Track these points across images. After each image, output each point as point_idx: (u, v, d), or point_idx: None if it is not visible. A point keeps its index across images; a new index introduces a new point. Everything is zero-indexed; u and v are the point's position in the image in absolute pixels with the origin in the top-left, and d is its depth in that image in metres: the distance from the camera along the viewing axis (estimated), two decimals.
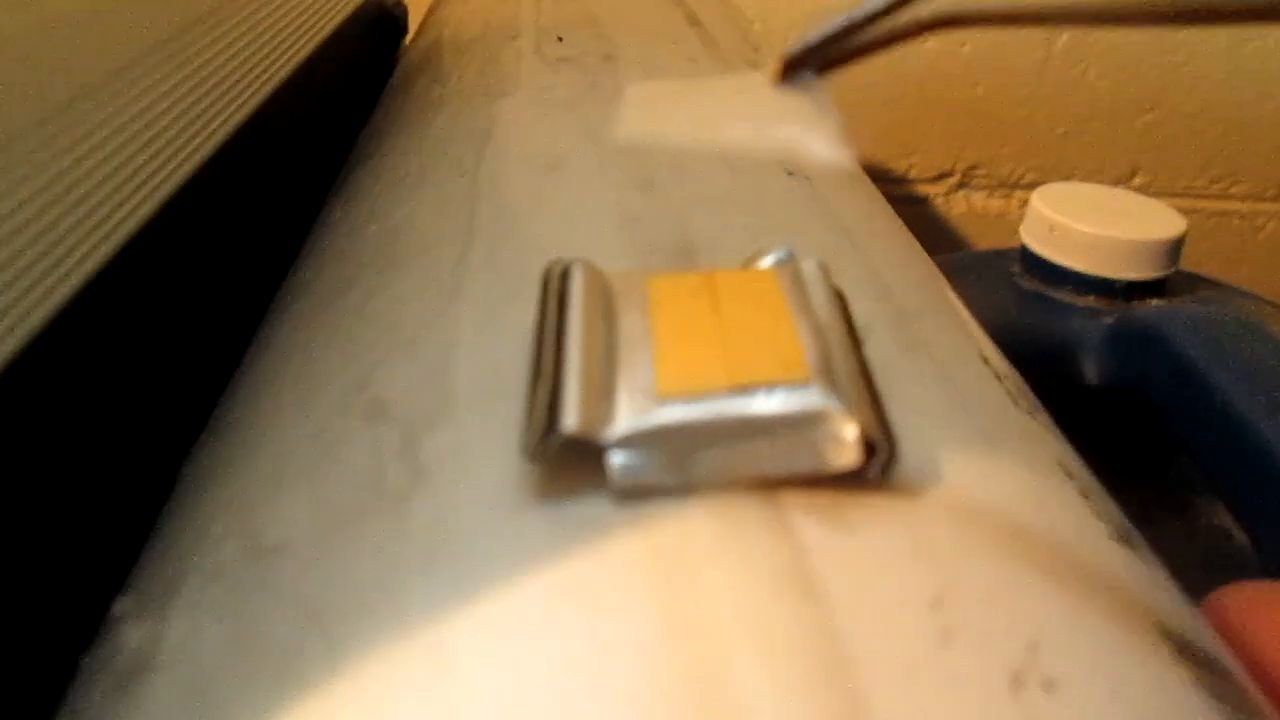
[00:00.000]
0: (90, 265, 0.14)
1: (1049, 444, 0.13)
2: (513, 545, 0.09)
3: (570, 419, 0.10)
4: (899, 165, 0.60)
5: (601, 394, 0.10)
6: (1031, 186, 0.62)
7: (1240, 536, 0.29)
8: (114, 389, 0.16)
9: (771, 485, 0.10)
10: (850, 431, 0.10)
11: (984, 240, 0.62)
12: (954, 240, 0.61)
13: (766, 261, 0.13)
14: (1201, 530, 0.30)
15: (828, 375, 0.10)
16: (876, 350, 0.13)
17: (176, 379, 0.17)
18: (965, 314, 0.18)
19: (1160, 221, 0.36)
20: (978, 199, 0.61)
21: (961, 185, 0.61)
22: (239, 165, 0.20)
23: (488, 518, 0.09)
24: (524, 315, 0.12)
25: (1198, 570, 0.29)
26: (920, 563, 0.09)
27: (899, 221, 0.21)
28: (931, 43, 0.56)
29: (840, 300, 0.12)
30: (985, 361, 0.15)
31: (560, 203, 0.16)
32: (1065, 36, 0.57)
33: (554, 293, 0.12)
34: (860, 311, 0.13)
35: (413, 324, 0.13)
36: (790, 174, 0.18)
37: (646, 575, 0.08)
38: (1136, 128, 0.60)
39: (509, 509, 0.09)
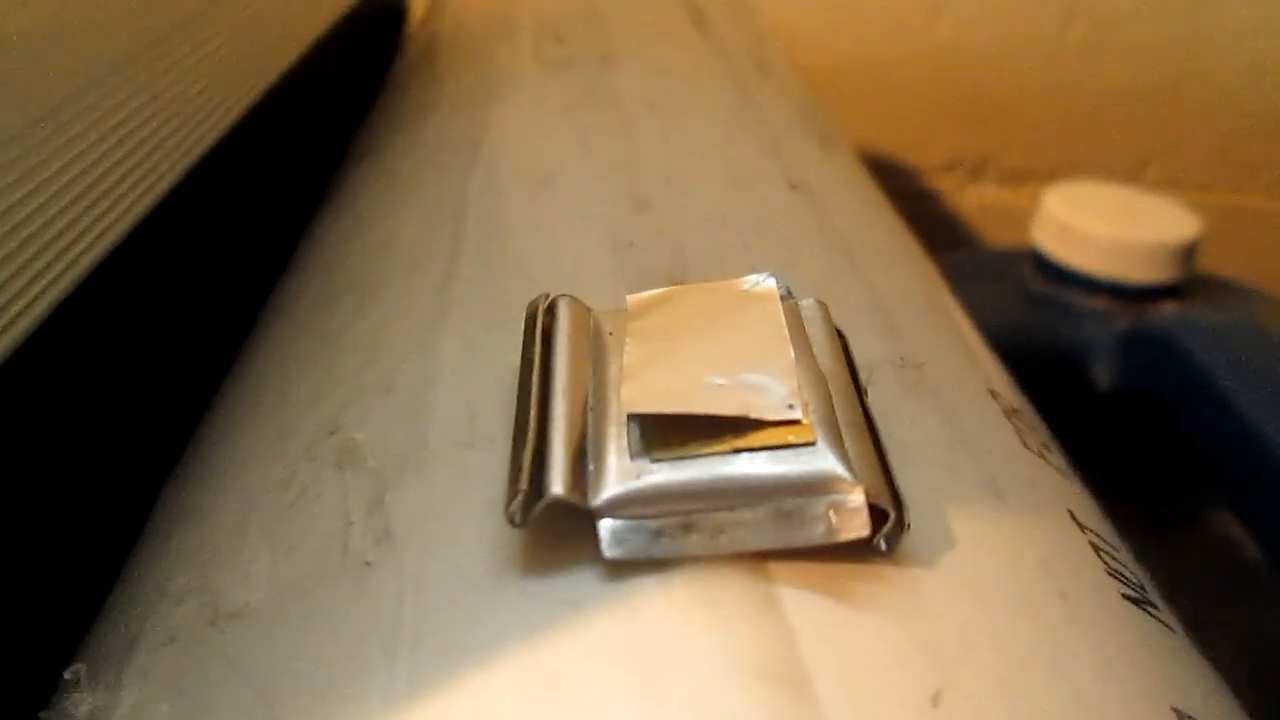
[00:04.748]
0: (75, 272, 0.13)
1: (1060, 488, 0.12)
2: (484, 626, 0.08)
3: (557, 484, 0.09)
4: (909, 155, 0.59)
5: (589, 453, 0.09)
6: (1044, 177, 0.61)
7: (1253, 549, 0.28)
8: (92, 403, 0.15)
9: (764, 554, 0.09)
10: (858, 500, 0.09)
11: (995, 231, 0.62)
12: (965, 231, 0.60)
13: (762, 288, 0.12)
14: (1214, 542, 0.29)
15: (833, 433, 0.10)
16: (880, 394, 0.12)
17: (157, 399, 0.17)
18: (973, 338, 0.17)
19: (1175, 223, 0.35)
20: (989, 190, 0.60)
21: (973, 176, 0.60)
22: (229, 169, 0.20)
23: (458, 592, 0.09)
24: (507, 348, 0.12)
25: (1210, 581, 0.29)
26: (920, 652, 0.08)
27: (905, 234, 0.20)
28: (942, 32, 0.55)
29: (841, 342, 0.12)
30: (994, 395, 0.14)
31: (551, 222, 0.15)
32: (1079, 26, 0.55)
33: (538, 333, 0.11)
34: (863, 349, 0.12)
35: (391, 356, 0.12)
36: (794, 187, 0.17)
37: (626, 666, 0.08)
38: (1150, 119, 0.58)
39: (483, 581, 0.09)
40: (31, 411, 0.13)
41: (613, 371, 0.10)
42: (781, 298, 0.12)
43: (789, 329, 0.11)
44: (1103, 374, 0.32)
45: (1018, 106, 0.59)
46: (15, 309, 0.12)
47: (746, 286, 0.12)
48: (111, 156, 0.14)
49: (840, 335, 0.12)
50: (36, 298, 0.12)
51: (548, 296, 0.12)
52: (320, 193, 0.22)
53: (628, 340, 0.11)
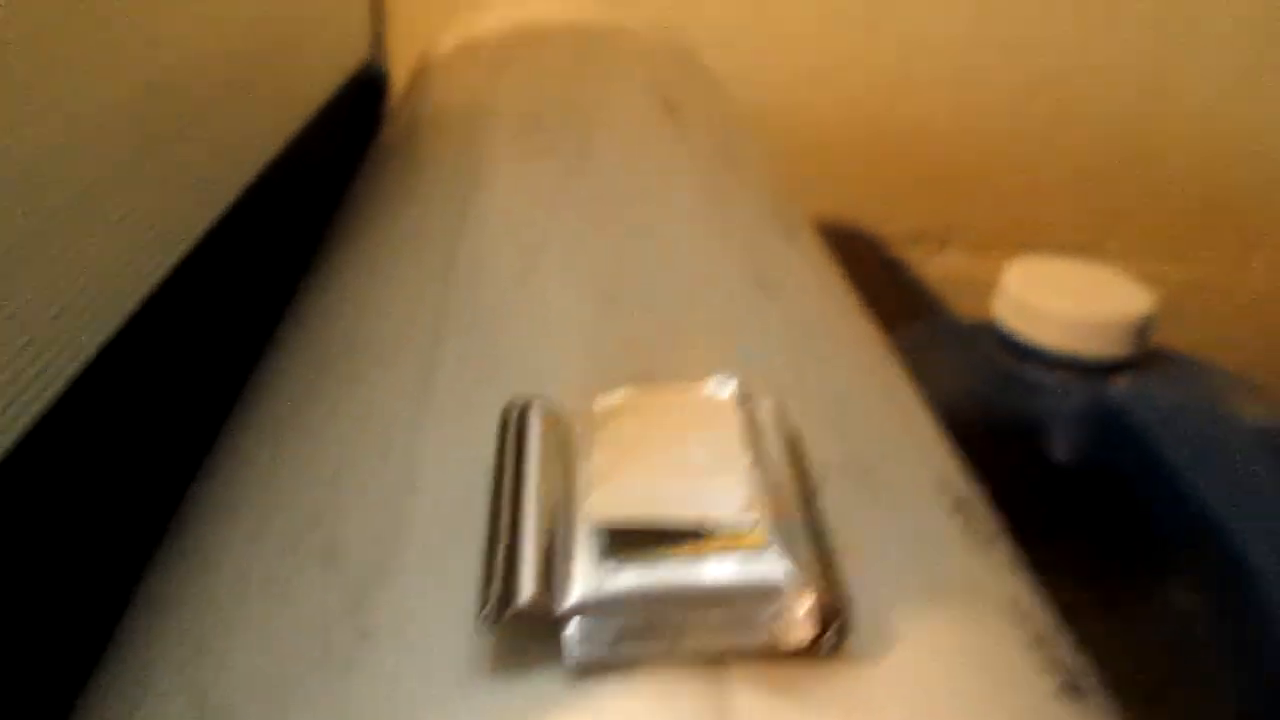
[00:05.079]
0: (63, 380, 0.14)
1: (1003, 582, 0.13)
2: None
3: (526, 592, 0.10)
4: (879, 226, 0.60)
5: (557, 558, 0.10)
6: (1009, 248, 0.62)
7: (1207, 623, 0.29)
8: (75, 487, 0.16)
9: (720, 658, 0.10)
10: (805, 605, 0.10)
11: (962, 299, 0.63)
12: (934, 300, 0.61)
13: (722, 392, 0.13)
14: (1169, 615, 0.30)
15: (784, 539, 0.10)
16: (833, 495, 0.13)
17: (138, 483, 0.17)
18: (928, 428, 0.18)
19: (1131, 298, 0.37)
20: (955, 259, 0.62)
21: (939, 246, 0.62)
22: (216, 254, 0.20)
23: (433, 693, 0.09)
24: (484, 447, 0.12)
25: (1164, 655, 0.29)
26: None
27: (866, 324, 0.21)
28: (908, 110, 0.57)
29: (797, 445, 0.12)
30: (943, 489, 0.15)
31: (527, 319, 0.16)
32: (1041, 103, 0.57)
33: (512, 438, 0.12)
34: (818, 448, 0.13)
35: (372, 454, 0.13)
36: (759, 285, 0.18)
37: None
38: (1111, 192, 0.60)
39: (455, 683, 0.09)
40: (13, 493, 0.14)
41: (581, 478, 0.11)
42: (742, 400, 0.13)
43: (747, 434, 0.12)
44: (1062, 447, 0.33)
45: (982, 180, 0.61)
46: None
47: (708, 391, 0.13)
48: (108, 249, 0.15)
49: (795, 437, 0.12)
50: (43, 388, 0.13)
51: (521, 403, 0.12)
52: (302, 272, 0.23)
53: (595, 447, 0.12)
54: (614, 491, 0.11)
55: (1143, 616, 0.30)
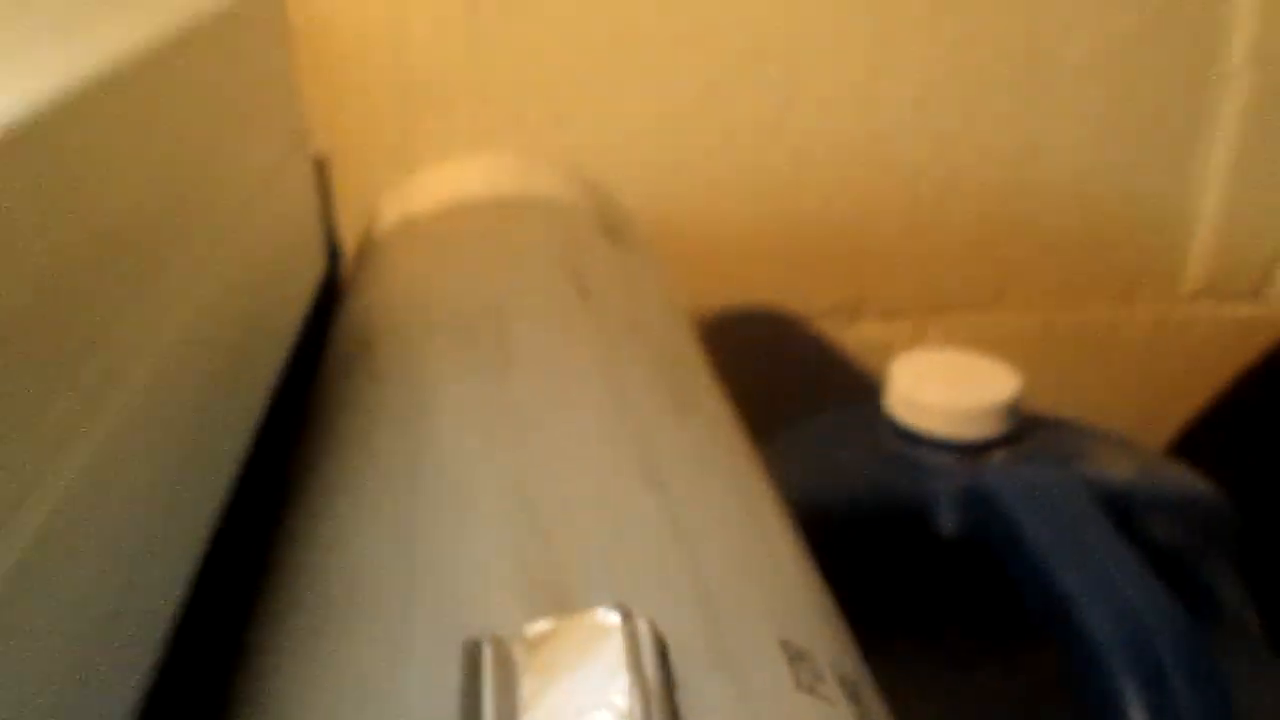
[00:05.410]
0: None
1: (821, 714, 0.19)
2: None
3: None
4: (795, 302, 0.66)
5: None
6: (916, 311, 0.69)
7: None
8: None
9: None
10: None
11: (877, 361, 0.69)
12: (850, 367, 0.67)
13: (610, 619, 0.18)
14: (1029, 682, 0.36)
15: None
16: (684, 671, 0.18)
17: None
18: (784, 583, 0.23)
19: (999, 385, 0.43)
20: (868, 327, 0.68)
21: (851, 317, 0.68)
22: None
23: None
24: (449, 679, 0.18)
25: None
26: None
27: (750, 485, 0.27)
28: (809, 201, 0.63)
29: (663, 654, 0.18)
30: (784, 646, 0.20)
31: (469, 552, 0.21)
32: (925, 185, 0.64)
33: (471, 674, 0.17)
34: (678, 631, 0.19)
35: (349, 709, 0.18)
36: (650, 484, 0.24)
37: None
38: (1001, 253, 0.67)
39: None
40: None
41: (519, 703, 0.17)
42: (625, 619, 0.18)
43: (628, 654, 0.17)
44: (947, 524, 0.39)
45: (884, 254, 0.67)
46: None
47: (598, 620, 0.18)
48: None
49: (663, 648, 0.18)
50: None
51: (474, 641, 0.18)
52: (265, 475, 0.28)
53: (524, 675, 0.17)
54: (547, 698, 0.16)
55: (1005, 685, 0.35)
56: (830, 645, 0.22)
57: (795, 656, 0.20)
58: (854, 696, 0.21)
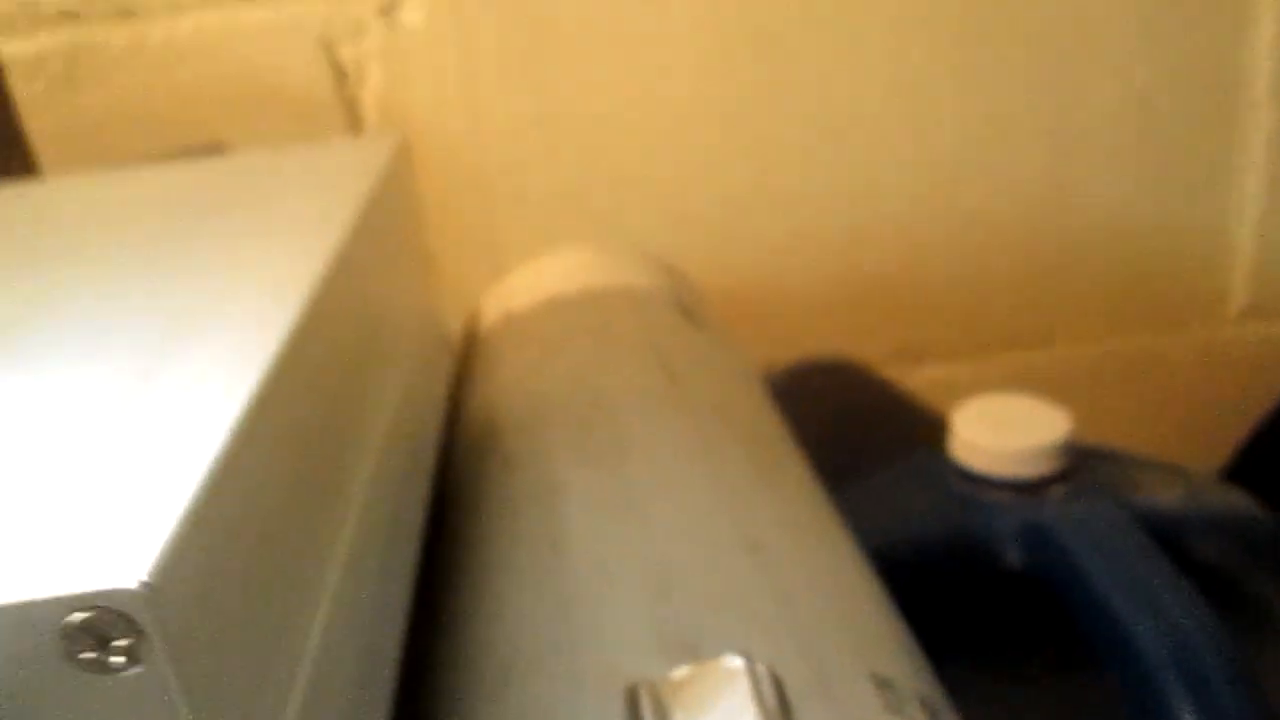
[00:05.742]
0: None
1: None
2: None
3: None
4: (861, 352, 0.70)
5: None
6: (974, 354, 0.73)
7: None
8: None
9: None
10: None
11: (942, 400, 0.73)
12: (917, 407, 0.71)
13: (734, 664, 0.23)
14: (1094, 702, 0.39)
15: None
16: (796, 702, 0.23)
17: None
18: (870, 621, 0.28)
19: (1052, 424, 0.47)
20: (932, 370, 0.72)
21: (916, 360, 0.72)
22: None
23: None
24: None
25: None
26: None
27: (835, 542, 0.31)
28: (868, 261, 0.68)
29: (779, 690, 0.23)
30: (873, 677, 0.25)
31: (610, 614, 0.26)
32: (977, 232, 0.68)
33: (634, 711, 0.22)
34: (787, 670, 0.23)
35: None
36: (752, 550, 0.29)
37: None
38: (1046, 293, 0.71)
39: None
40: None
41: None
42: (748, 663, 0.23)
43: (753, 692, 0.22)
44: (1010, 559, 0.43)
45: (939, 302, 0.71)
46: None
47: (726, 665, 0.23)
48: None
49: (782, 691, 0.23)
50: None
51: (635, 686, 0.23)
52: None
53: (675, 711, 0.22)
54: None
55: (1065, 706, 0.39)
56: (911, 673, 0.27)
57: (882, 684, 0.25)
58: (933, 716, 0.26)
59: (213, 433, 0.18)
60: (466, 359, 0.48)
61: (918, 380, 0.71)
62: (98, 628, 0.15)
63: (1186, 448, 0.64)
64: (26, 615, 0.14)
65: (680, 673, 0.23)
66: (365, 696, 0.24)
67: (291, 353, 0.22)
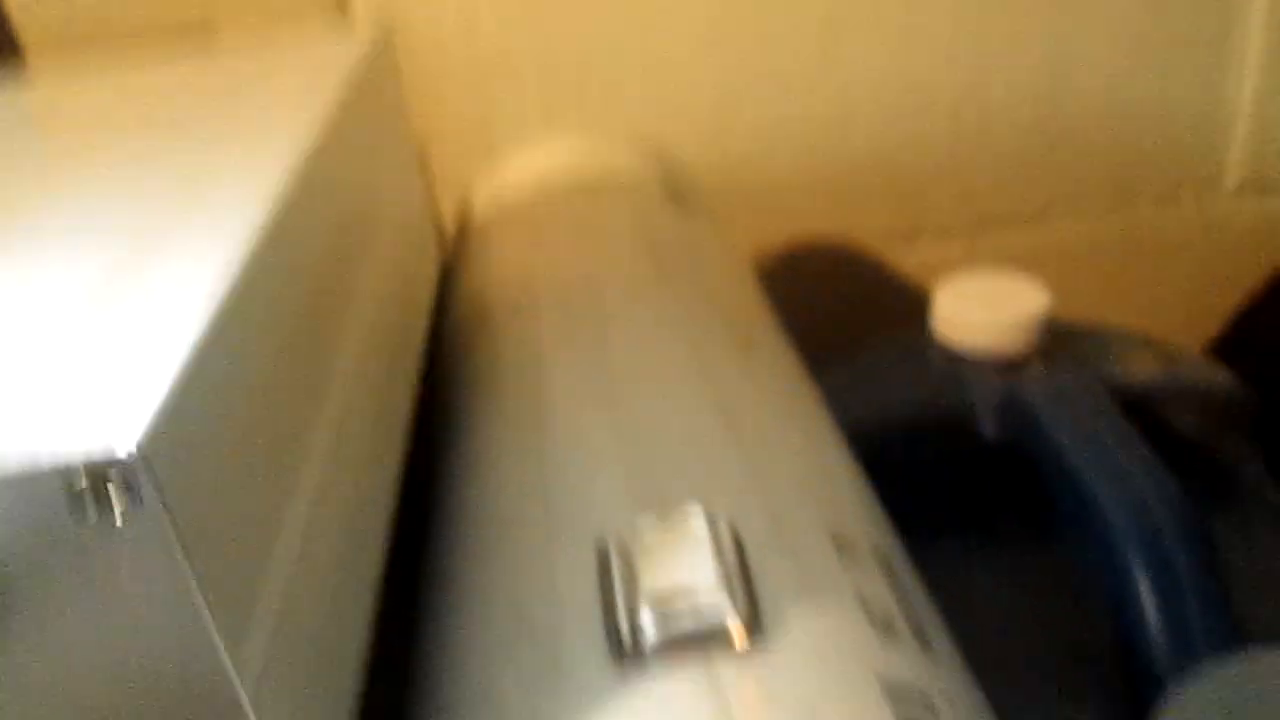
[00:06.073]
0: None
1: (861, 586, 0.25)
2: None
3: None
4: (853, 231, 0.71)
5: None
6: (967, 232, 0.74)
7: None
8: None
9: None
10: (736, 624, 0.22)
11: (935, 278, 0.74)
12: (909, 285, 0.72)
13: (697, 517, 0.25)
14: (1058, 571, 0.41)
15: (729, 590, 0.23)
16: (755, 556, 0.25)
17: None
18: (835, 486, 0.30)
19: (1032, 301, 0.48)
20: (924, 249, 0.73)
21: (907, 239, 0.73)
22: None
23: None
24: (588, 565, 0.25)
25: (1051, 602, 0.40)
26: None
27: (799, 414, 0.33)
28: (858, 140, 0.68)
29: (738, 544, 0.25)
30: (834, 537, 0.27)
31: (589, 472, 0.28)
32: (969, 114, 0.68)
33: (603, 556, 0.24)
34: (748, 526, 0.25)
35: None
36: (717, 409, 0.30)
37: None
38: (1043, 170, 0.71)
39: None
40: None
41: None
42: (709, 517, 0.25)
43: (711, 546, 0.24)
44: (989, 430, 0.45)
45: (932, 181, 0.72)
46: None
47: (689, 517, 0.25)
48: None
49: (738, 539, 0.25)
50: None
51: (604, 537, 0.25)
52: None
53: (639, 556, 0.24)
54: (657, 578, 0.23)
55: (1040, 573, 0.41)
56: (872, 534, 0.29)
57: (842, 545, 0.27)
58: (890, 573, 0.27)
59: (199, 307, 0.19)
60: (458, 247, 0.50)
61: (911, 259, 0.72)
62: (100, 487, 0.16)
63: (1182, 322, 0.65)
64: (31, 481, 0.16)
65: (646, 523, 0.25)
66: (359, 550, 0.26)
67: (275, 232, 0.23)
